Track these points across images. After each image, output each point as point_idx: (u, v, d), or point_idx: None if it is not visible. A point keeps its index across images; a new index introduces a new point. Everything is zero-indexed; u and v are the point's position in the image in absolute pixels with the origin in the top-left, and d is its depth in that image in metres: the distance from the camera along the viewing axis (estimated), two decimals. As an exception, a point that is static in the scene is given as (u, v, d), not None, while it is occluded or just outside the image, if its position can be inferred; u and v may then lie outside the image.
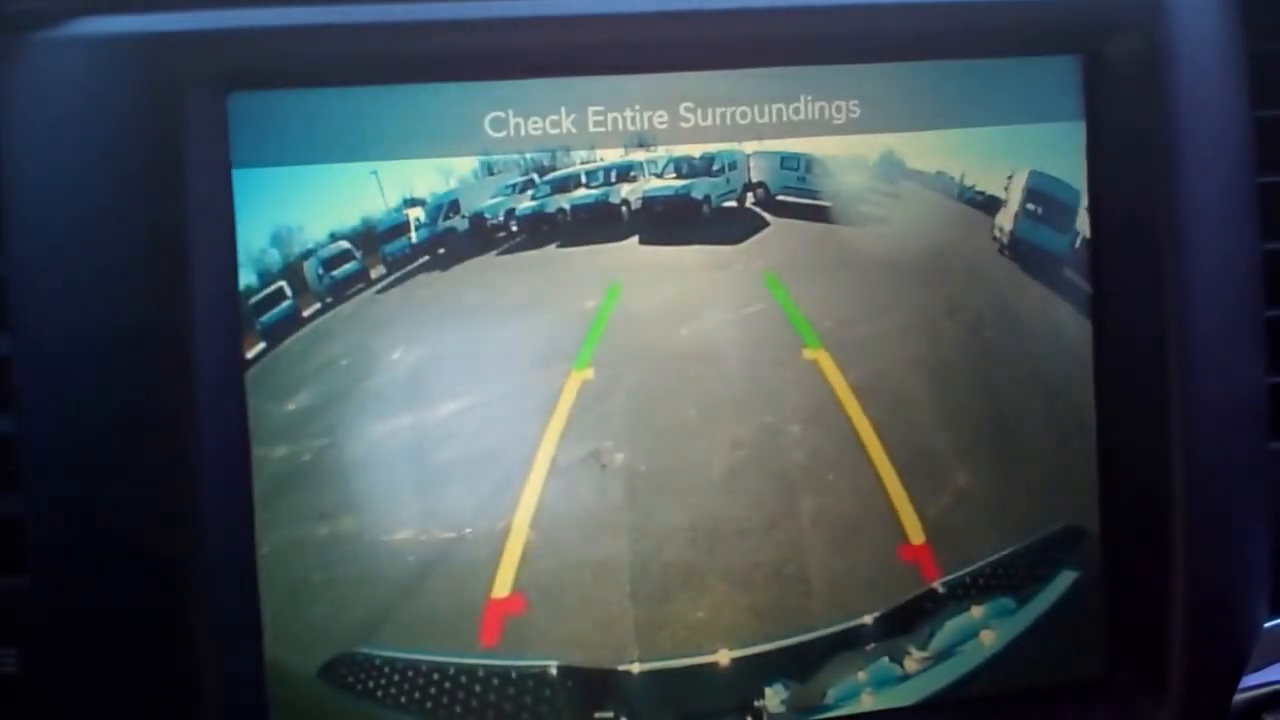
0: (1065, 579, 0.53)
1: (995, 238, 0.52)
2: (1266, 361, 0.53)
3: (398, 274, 0.48)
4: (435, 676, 0.48)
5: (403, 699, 0.48)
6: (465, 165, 0.48)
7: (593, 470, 0.49)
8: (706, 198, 0.50)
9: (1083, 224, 0.52)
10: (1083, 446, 0.53)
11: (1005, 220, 0.52)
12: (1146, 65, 0.50)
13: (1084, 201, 0.52)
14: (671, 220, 0.50)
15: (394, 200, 0.47)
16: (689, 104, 0.49)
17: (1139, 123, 0.51)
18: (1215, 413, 0.51)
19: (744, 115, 0.49)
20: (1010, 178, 0.51)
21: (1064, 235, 0.52)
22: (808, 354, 0.50)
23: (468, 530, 0.48)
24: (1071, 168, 0.52)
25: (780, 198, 0.50)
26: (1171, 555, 0.51)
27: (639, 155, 0.49)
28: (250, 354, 0.46)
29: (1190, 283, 0.51)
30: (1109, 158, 0.52)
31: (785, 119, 0.49)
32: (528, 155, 0.48)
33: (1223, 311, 0.51)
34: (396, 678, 0.48)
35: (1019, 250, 0.52)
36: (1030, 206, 0.52)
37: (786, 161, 0.50)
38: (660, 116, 0.49)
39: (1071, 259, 0.52)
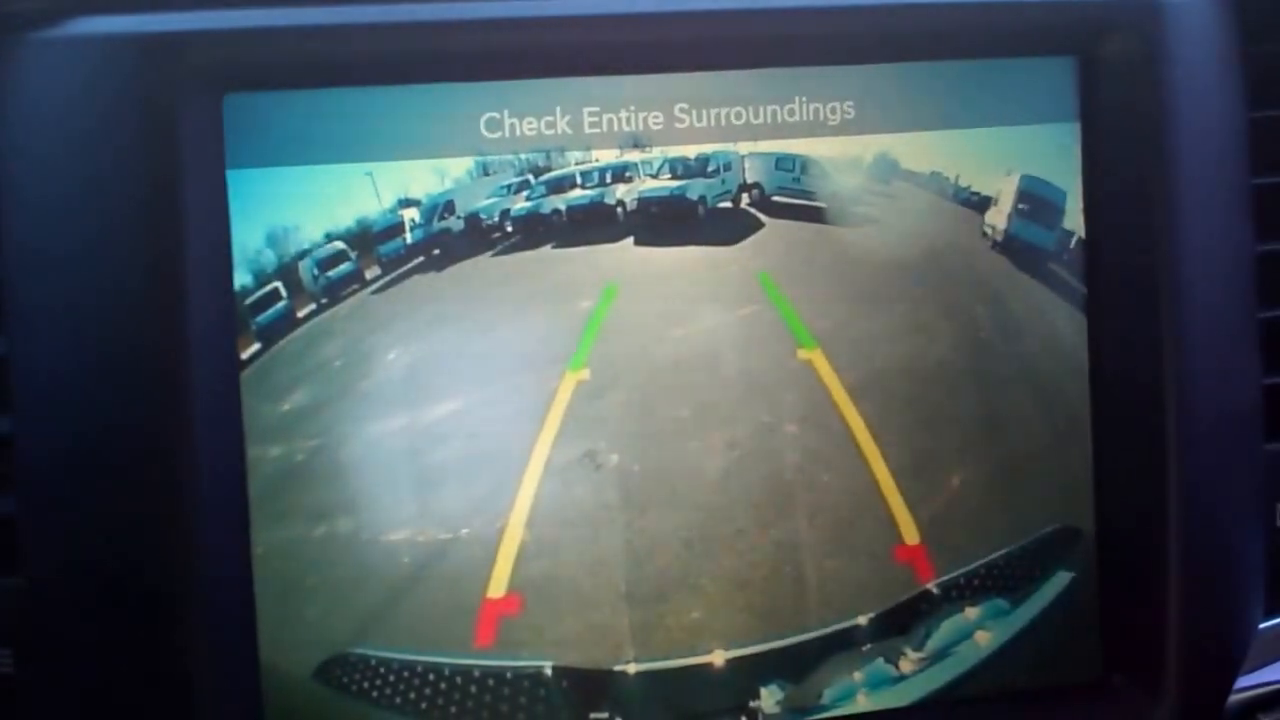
0: (1060, 580, 0.53)
1: (990, 238, 0.52)
2: (1262, 362, 0.53)
3: (393, 274, 0.48)
4: (430, 677, 0.48)
5: (397, 699, 0.48)
6: (460, 166, 0.48)
7: (588, 471, 0.49)
8: (702, 198, 0.50)
9: (1077, 225, 0.52)
10: (1078, 447, 0.53)
11: (1000, 221, 0.52)
12: (1141, 66, 0.50)
13: (1079, 202, 0.52)
14: (667, 221, 0.50)
15: (389, 201, 0.47)
16: (684, 105, 0.49)
17: (1134, 124, 0.51)
18: (1210, 414, 0.51)
19: (739, 116, 0.49)
20: (1005, 179, 0.52)
21: (1059, 236, 0.52)
22: (802, 354, 0.50)
23: (463, 531, 0.48)
24: (1066, 169, 0.52)
25: (775, 198, 0.50)
26: (1167, 556, 0.51)
27: (634, 156, 0.49)
28: (245, 354, 0.46)
29: (1185, 284, 0.51)
30: (1104, 159, 0.52)
31: (780, 120, 0.50)
32: (523, 156, 0.48)
33: (1218, 313, 0.51)
34: (391, 678, 0.48)
35: (1014, 251, 0.52)
36: (1025, 207, 0.52)
37: (781, 162, 0.50)
38: (655, 117, 0.49)
39: (1066, 260, 0.52)
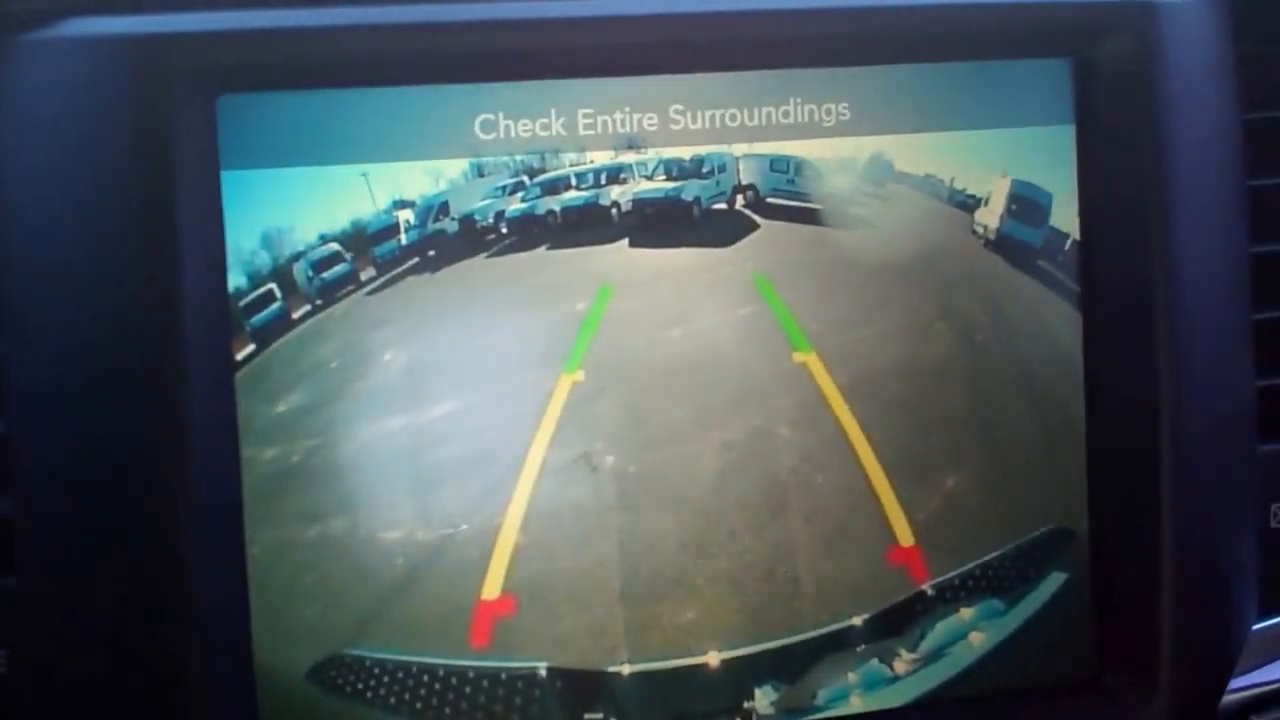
0: (1054, 580, 0.53)
1: (982, 237, 0.52)
2: (1255, 364, 0.53)
3: (388, 276, 0.48)
4: (425, 678, 0.48)
5: (392, 700, 0.48)
6: (455, 167, 0.48)
7: (583, 472, 0.49)
8: (696, 200, 0.50)
9: (1072, 226, 0.52)
10: (1072, 449, 0.53)
11: (992, 220, 0.52)
12: (1137, 68, 0.50)
13: (1074, 204, 0.52)
14: (661, 222, 0.50)
15: (384, 202, 0.47)
16: (679, 106, 0.49)
17: (1129, 125, 0.51)
18: (1204, 415, 0.51)
19: (734, 118, 0.49)
20: (999, 180, 0.52)
21: (1053, 238, 0.52)
22: (797, 356, 0.50)
23: (458, 532, 0.48)
24: (1061, 171, 0.52)
25: (770, 200, 0.50)
26: (1160, 557, 0.51)
27: (629, 157, 0.49)
28: (240, 355, 0.46)
29: (1180, 285, 0.51)
30: (1099, 160, 0.52)
31: (775, 121, 0.50)
32: (518, 157, 0.48)
33: (1212, 314, 0.51)
34: (386, 679, 0.48)
35: (1007, 253, 0.52)
36: (1018, 209, 0.52)
37: (776, 164, 0.50)
38: (650, 119, 0.49)
39: (1061, 262, 0.52)
